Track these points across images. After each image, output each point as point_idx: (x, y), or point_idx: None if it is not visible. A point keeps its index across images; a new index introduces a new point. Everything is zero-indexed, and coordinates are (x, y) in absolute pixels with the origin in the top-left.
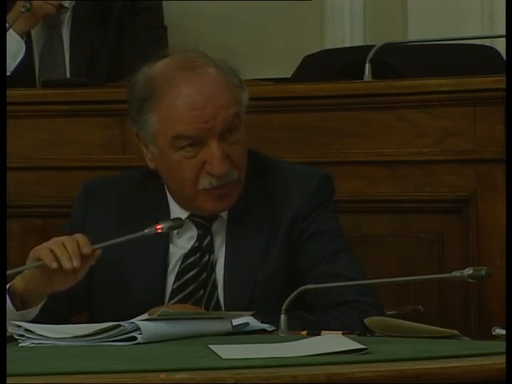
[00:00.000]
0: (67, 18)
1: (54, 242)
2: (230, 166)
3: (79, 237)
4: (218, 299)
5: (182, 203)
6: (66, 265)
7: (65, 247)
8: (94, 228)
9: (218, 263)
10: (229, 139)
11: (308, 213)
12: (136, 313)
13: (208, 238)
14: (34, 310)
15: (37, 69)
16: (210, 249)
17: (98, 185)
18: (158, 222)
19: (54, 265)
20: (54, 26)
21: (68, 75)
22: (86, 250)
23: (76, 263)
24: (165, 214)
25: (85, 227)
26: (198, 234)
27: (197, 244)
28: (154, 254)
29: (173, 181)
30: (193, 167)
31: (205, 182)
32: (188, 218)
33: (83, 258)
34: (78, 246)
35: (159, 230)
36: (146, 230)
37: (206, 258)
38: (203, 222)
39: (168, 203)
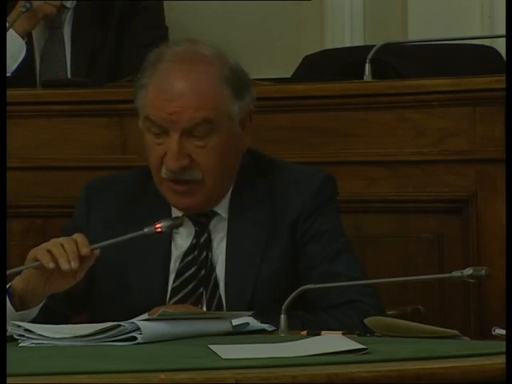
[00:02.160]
0: (68, 17)
1: (52, 243)
2: (187, 165)
3: (78, 237)
4: (220, 298)
5: None
6: (64, 266)
7: (63, 248)
8: (97, 227)
9: (218, 261)
10: (195, 142)
11: (310, 213)
12: (138, 313)
13: (205, 235)
14: (34, 311)
15: (37, 69)
16: (208, 246)
17: (100, 184)
18: (157, 221)
19: (51, 265)
20: (56, 26)
21: (69, 75)
22: (85, 250)
23: (74, 264)
24: (166, 212)
25: (88, 227)
26: (196, 231)
27: (194, 241)
28: (156, 255)
29: (148, 160)
30: (157, 154)
31: (163, 172)
32: (185, 214)
33: (82, 258)
34: (77, 246)
35: (159, 229)
36: (145, 229)
37: (204, 255)
38: (200, 219)
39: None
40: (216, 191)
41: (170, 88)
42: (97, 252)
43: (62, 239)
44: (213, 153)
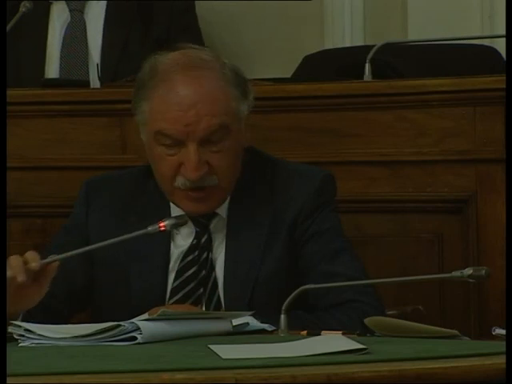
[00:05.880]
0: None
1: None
2: (206, 172)
3: (28, 254)
4: (218, 297)
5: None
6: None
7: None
8: (96, 224)
9: (217, 261)
10: (211, 147)
11: (310, 213)
12: (138, 312)
13: (206, 235)
14: None
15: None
16: (209, 246)
17: (99, 182)
18: (160, 220)
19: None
20: (76, 9)
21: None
22: (34, 265)
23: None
24: (165, 211)
25: (87, 224)
26: (196, 232)
27: (195, 242)
28: (156, 254)
29: (155, 172)
30: (171, 165)
31: (179, 182)
32: (186, 214)
33: (42, 271)
34: (26, 262)
35: (162, 228)
36: (149, 228)
37: (205, 255)
38: (201, 220)
39: (169, 201)
40: (228, 192)
41: (181, 99)
42: (55, 264)
43: (12, 257)
44: (227, 156)
